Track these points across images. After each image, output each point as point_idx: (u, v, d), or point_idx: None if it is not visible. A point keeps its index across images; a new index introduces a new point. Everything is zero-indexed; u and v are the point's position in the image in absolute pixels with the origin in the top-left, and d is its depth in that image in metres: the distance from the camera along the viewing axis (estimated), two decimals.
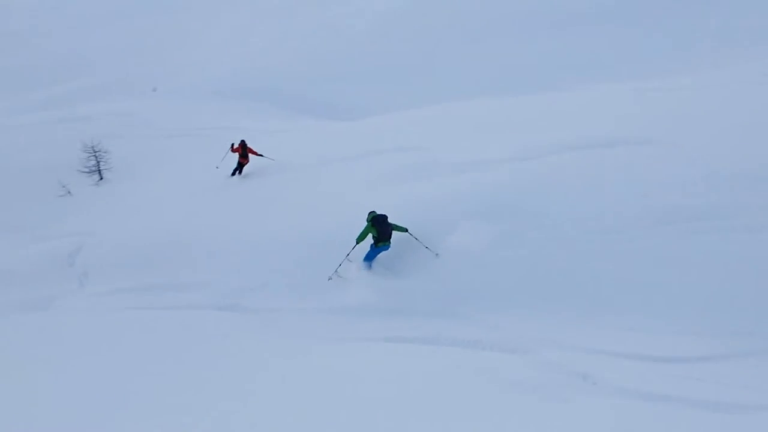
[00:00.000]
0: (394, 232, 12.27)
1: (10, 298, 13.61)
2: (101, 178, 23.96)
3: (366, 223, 12.17)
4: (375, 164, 17.00)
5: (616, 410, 6.61)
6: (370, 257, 12.36)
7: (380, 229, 12.04)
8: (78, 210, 21.40)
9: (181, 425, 6.15)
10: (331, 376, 7.51)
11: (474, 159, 14.71)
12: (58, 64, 53.81)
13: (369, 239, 12.18)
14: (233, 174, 20.68)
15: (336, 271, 12.39)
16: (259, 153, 20.48)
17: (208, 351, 8.92)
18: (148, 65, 49.39)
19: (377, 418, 6.22)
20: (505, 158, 14.27)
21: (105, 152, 24.33)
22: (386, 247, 12.28)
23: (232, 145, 20.70)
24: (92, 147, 24.10)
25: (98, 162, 24.10)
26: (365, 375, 7.64)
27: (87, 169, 23.82)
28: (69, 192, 23.04)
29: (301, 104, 35.75)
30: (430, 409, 6.49)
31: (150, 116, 31.01)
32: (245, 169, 20.57)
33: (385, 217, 12.13)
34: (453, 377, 7.59)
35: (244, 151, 20.22)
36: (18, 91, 47.86)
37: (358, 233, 12.11)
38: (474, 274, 11.24)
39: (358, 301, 11.53)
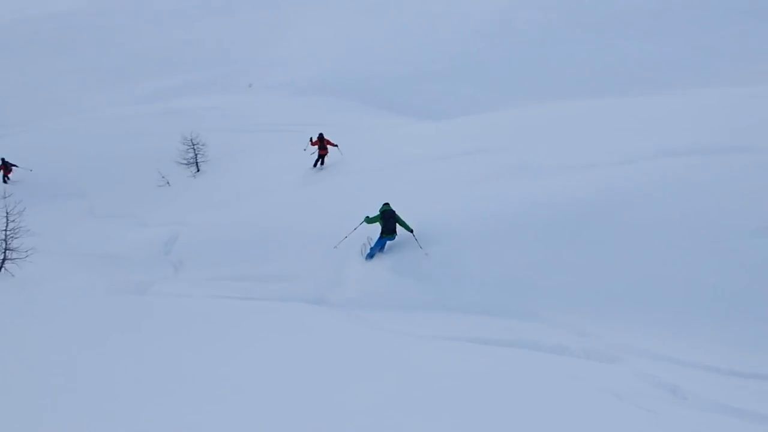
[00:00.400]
0: (401, 229, 13.65)
1: (115, 280, 14.60)
2: (198, 170, 25.13)
3: (378, 213, 13.76)
4: (462, 165, 17.19)
5: (706, 426, 6.53)
6: (375, 246, 13.86)
7: (385, 222, 13.58)
8: (175, 200, 22.56)
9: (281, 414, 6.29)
10: (429, 376, 7.51)
11: (566, 163, 14.70)
12: (161, 60, 56.50)
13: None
14: (315, 165, 22.17)
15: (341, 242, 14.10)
16: (334, 143, 21.99)
17: (296, 342, 9.31)
18: (245, 62, 50.99)
19: (475, 421, 6.26)
20: (599, 162, 14.23)
21: (202, 145, 25.48)
22: (391, 238, 13.80)
23: (311, 138, 22.20)
24: (191, 140, 25.30)
25: (196, 154, 25.28)
26: (456, 376, 7.60)
27: (185, 161, 25.05)
28: (168, 182, 24.33)
29: (394, 103, 36.07)
30: (525, 415, 6.44)
31: (245, 111, 32.19)
32: (327, 160, 22.06)
33: (392, 212, 13.62)
34: (544, 383, 7.58)
35: (321, 143, 21.88)
36: (123, 84, 50.74)
37: (372, 215, 13.80)
38: (558, 276, 11.24)
39: (429, 299, 11.87)
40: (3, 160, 28.17)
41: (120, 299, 12.50)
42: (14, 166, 27.90)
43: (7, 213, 14.07)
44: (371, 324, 10.92)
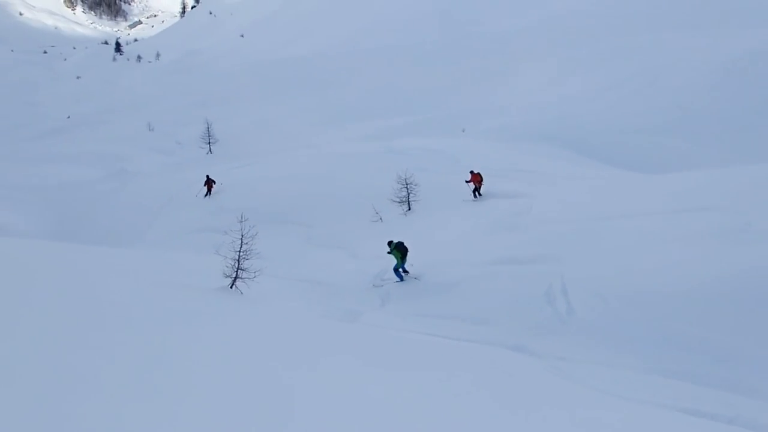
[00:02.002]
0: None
1: (329, 306, 15.56)
2: (409, 209, 26.09)
3: (393, 252, 17.88)
4: (678, 222, 16.31)
5: None
6: (399, 273, 17.96)
7: (403, 251, 17.80)
8: (386, 235, 23.54)
9: None
10: None
11: None
12: (385, 102, 60.01)
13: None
14: (474, 196, 26.16)
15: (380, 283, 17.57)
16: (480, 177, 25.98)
17: (492, 390, 9.29)
18: (461, 107, 52.48)
19: None
20: None
21: (415, 185, 26.46)
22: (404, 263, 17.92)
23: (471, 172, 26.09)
24: (404, 179, 26.38)
25: (408, 193, 26.29)
26: None
27: (398, 199, 26.14)
28: (380, 218, 25.53)
29: (602, 153, 35.15)
30: None
31: (457, 154, 32.96)
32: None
33: (402, 243, 17.92)
34: None
35: (476, 177, 26.00)
36: (349, 122, 54.54)
37: (396, 263, 17.91)
38: None
39: (632, 360, 11.24)
40: (208, 177, 34.73)
41: (333, 324, 13.23)
42: (214, 182, 34.41)
43: (242, 235, 15.48)
44: (575, 379, 10.56)
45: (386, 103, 60.29)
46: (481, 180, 26.06)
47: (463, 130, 44.80)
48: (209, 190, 34.45)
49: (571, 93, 47.50)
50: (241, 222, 15.41)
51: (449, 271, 17.77)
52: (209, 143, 56.90)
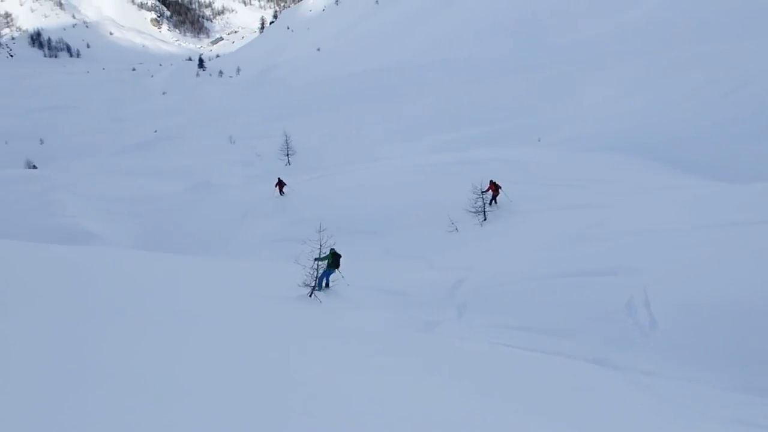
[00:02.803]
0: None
1: (406, 316, 15.72)
2: (485, 219, 26.02)
3: (328, 257, 17.01)
4: (758, 233, 15.71)
5: None
6: (322, 278, 17.20)
7: (334, 259, 17.39)
8: (463, 245, 23.59)
9: None
10: None
11: None
12: (461, 112, 60.13)
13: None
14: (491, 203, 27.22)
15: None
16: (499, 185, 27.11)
17: (573, 405, 9.21)
18: (536, 116, 51.97)
19: None
20: None
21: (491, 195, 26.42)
22: (333, 271, 17.73)
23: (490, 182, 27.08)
24: (480, 189, 26.35)
25: (484, 204, 26.24)
26: None
27: (474, 210, 26.12)
28: (456, 228, 25.58)
29: (684, 163, 34.01)
30: None
31: (532, 164, 32.64)
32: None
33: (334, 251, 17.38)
34: None
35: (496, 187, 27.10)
36: (426, 133, 54.88)
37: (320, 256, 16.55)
38: None
39: (729, 377, 10.86)
40: (279, 179, 38.87)
41: (410, 334, 13.37)
42: (285, 183, 38.26)
43: (320, 245, 15.85)
44: (658, 395, 10.31)
45: (460, 115, 60.37)
46: (498, 190, 27.14)
47: (539, 140, 44.37)
48: (281, 190, 38.05)
49: (646, 102, 46.28)
50: (320, 232, 15.79)
51: (526, 282, 17.63)
52: (288, 155, 58.21)
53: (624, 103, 48.20)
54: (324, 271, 17.38)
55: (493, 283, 18.51)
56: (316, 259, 16.38)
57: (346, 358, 9.65)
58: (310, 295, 15.74)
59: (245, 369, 7.53)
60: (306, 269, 15.75)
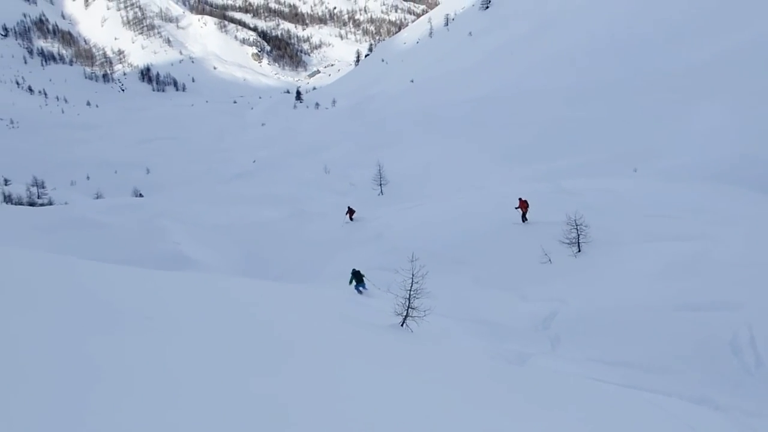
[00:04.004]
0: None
1: (497, 348, 15.66)
2: (579, 250, 25.53)
3: (352, 276, 24.33)
4: None
5: None
6: (357, 288, 24.15)
7: (357, 277, 24.18)
8: (556, 277, 23.21)
9: None
10: None
11: None
12: (555, 141, 59.40)
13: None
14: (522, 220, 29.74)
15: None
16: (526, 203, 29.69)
17: None
18: (632, 145, 50.63)
19: None
20: None
21: (585, 226, 25.86)
22: (362, 284, 24.22)
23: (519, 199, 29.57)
24: (574, 220, 25.88)
25: (578, 235, 25.74)
26: None
27: (567, 241, 25.67)
28: (549, 260, 25.21)
29: None
30: None
31: (629, 194, 31.79)
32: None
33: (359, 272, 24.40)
34: None
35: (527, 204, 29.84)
36: (519, 162, 54.53)
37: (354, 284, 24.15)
38: None
39: None
40: (349, 207, 43.17)
41: (502, 366, 13.32)
42: (354, 211, 42.09)
43: (413, 275, 16.06)
44: None
45: (555, 143, 59.64)
46: (527, 207, 29.69)
47: (635, 170, 43.11)
48: (351, 217, 42.02)
49: (754, 130, 44.04)
50: (412, 261, 16.00)
51: (623, 315, 17.20)
52: (381, 184, 59.09)
53: (729, 130, 46.15)
54: (356, 286, 24.27)
55: (587, 316, 18.16)
56: (352, 280, 24.42)
57: (442, 388, 9.76)
58: (402, 324, 15.94)
59: (353, 399, 7.77)
60: (398, 298, 15.98)
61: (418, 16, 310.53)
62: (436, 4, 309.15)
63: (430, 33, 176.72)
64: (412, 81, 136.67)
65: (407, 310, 16.22)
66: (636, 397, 11.54)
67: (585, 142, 56.39)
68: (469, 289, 24.38)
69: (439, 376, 10.62)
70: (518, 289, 22.67)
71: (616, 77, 69.75)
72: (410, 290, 16.20)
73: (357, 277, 24.46)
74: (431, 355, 13.67)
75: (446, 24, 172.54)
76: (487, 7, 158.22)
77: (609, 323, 17.06)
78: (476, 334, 17.66)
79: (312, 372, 8.48)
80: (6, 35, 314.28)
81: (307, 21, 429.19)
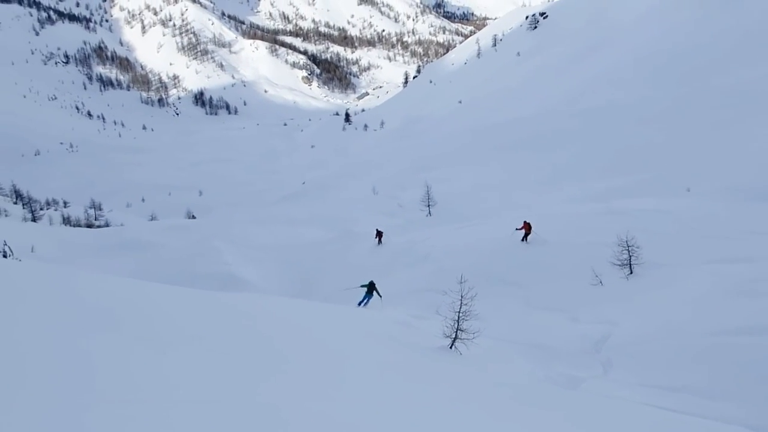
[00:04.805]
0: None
1: (548, 371, 15.45)
2: (631, 272, 25.02)
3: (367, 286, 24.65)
4: None
5: None
6: (362, 300, 24.86)
7: (368, 288, 24.58)
8: (607, 299, 22.78)
9: None
10: None
11: None
12: (605, 161, 58.62)
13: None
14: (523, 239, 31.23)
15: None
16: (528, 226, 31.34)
17: None
18: (684, 164, 49.57)
19: None
20: None
21: (637, 247, 25.34)
22: (371, 296, 24.63)
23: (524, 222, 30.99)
24: (626, 241, 25.40)
25: (630, 256, 25.24)
26: None
27: (619, 262, 25.19)
28: (601, 282, 24.76)
29: None
30: None
31: (684, 215, 31.06)
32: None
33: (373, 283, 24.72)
34: None
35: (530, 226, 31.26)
36: (567, 183, 53.91)
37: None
38: None
39: None
40: (377, 229, 43.73)
41: (553, 390, 13.12)
42: (382, 233, 42.94)
43: (461, 297, 16.00)
44: None
45: (605, 163, 58.77)
46: (530, 229, 31.14)
47: (688, 190, 42.08)
48: (380, 240, 42.84)
49: None
50: (461, 283, 15.96)
51: (678, 339, 16.75)
52: (428, 205, 59.02)
53: None
54: (364, 296, 24.83)
55: (641, 339, 17.77)
56: (361, 285, 25.32)
57: (489, 412, 9.69)
58: (451, 347, 15.87)
59: (412, 424, 7.79)
60: (447, 320, 15.94)
61: (466, 37, 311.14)
62: (484, 25, 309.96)
63: (478, 54, 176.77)
64: (460, 102, 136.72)
65: (456, 332, 16.17)
66: (694, 424, 11.22)
67: (636, 161, 55.43)
68: (518, 311, 24.14)
69: (487, 400, 10.54)
70: (569, 311, 22.33)
71: (668, 95, 68.50)
72: (459, 312, 16.16)
73: (369, 288, 24.73)
74: (480, 378, 13.57)
75: (494, 44, 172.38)
76: (536, 27, 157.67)
77: (664, 347, 16.65)
78: (526, 356, 17.44)
79: (365, 393, 8.53)
80: (67, 62, 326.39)
81: (356, 44, 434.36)
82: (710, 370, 14.63)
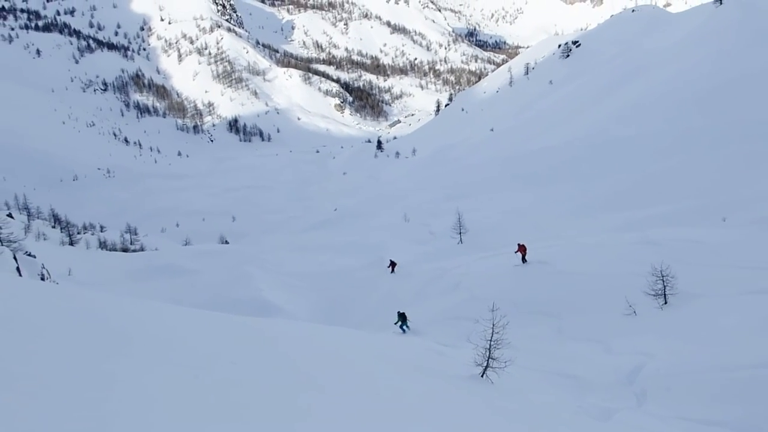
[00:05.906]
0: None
1: (580, 402, 15.33)
2: (666, 302, 24.73)
3: (398, 317, 28.40)
4: None
5: None
6: (401, 327, 28.32)
7: (402, 318, 28.23)
8: (641, 329, 22.51)
9: None
10: None
11: None
12: (637, 190, 58.07)
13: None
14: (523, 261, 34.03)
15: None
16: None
17: None
18: (723, 195, 48.92)
19: None
20: None
21: (671, 277, 25.05)
22: (406, 324, 28.30)
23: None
24: (660, 271, 25.14)
25: (664, 286, 24.95)
26: None
27: (653, 292, 24.93)
28: (634, 312, 24.51)
29: None
30: None
31: (719, 245, 30.65)
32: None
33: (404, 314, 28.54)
34: None
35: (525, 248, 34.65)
36: (600, 212, 53.53)
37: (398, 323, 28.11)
38: None
39: None
40: (391, 260, 44.86)
41: (586, 421, 13.05)
42: (395, 263, 44.16)
43: (493, 325, 16.03)
44: None
45: (638, 192, 58.29)
46: (525, 250, 34.10)
47: (724, 220, 41.49)
48: (393, 269, 44.03)
49: None
50: (493, 311, 15.99)
51: (714, 372, 16.51)
52: (460, 233, 58.99)
53: None
54: (401, 325, 28.38)
55: (676, 371, 17.54)
56: (398, 321, 28.54)
57: None
58: (482, 375, 15.87)
59: None
60: (478, 348, 15.95)
61: (498, 65, 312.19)
62: (516, 54, 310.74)
63: (510, 82, 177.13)
64: (491, 130, 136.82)
65: (488, 360, 16.17)
66: None
67: (670, 190, 54.90)
68: (551, 341, 23.99)
69: (519, 429, 10.55)
70: (602, 341, 22.13)
71: (703, 125, 67.79)
72: (491, 340, 16.18)
73: (402, 318, 28.56)
74: (513, 408, 13.55)
75: (526, 73, 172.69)
76: (568, 56, 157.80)
77: (699, 379, 16.41)
78: (559, 386, 17.35)
79: (404, 423, 8.63)
80: (105, 89, 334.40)
81: (389, 72, 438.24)
82: (747, 405, 14.38)
